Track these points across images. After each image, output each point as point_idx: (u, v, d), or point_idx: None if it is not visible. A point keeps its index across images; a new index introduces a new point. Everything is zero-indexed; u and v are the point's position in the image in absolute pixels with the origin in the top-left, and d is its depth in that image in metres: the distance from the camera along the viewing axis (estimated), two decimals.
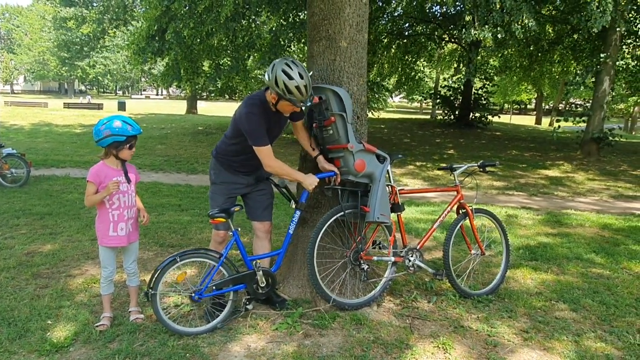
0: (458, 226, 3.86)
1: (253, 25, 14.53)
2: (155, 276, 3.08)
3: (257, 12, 13.73)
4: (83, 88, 70.37)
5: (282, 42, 14.20)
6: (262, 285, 3.36)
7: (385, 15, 17.67)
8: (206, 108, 36.74)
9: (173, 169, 11.60)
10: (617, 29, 12.45)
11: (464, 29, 11.33)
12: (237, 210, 3.32)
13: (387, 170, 3.54)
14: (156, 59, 14.90)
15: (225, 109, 35.51)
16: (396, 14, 18.41)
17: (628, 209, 8.35)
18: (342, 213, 3.48)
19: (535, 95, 39.52)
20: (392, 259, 3.68)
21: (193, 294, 3.21)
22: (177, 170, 11.51)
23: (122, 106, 33.59)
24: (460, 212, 3.95)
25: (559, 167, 12.83)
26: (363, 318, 3.44)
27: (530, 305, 3.82)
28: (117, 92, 74.66)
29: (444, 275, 3.82)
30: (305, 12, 13.04)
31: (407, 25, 19.25)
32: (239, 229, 3.38)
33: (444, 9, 17.71)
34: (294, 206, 3.49)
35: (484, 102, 21.67)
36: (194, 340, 3.12)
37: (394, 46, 20.04)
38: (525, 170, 12.39)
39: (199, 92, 26.86)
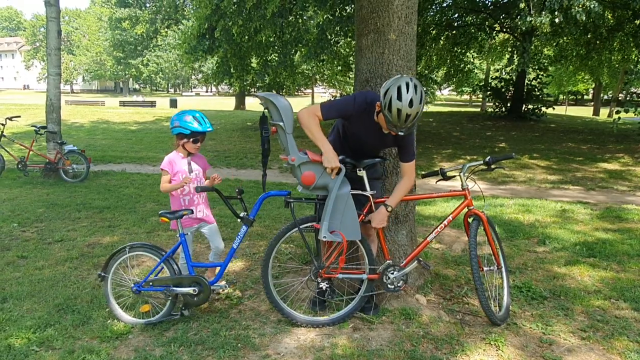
0: (476, 237, 3.32)
1: (300, 21, 14.59)
2: (109, 261, 3.37)
3: (303, 7, 13.77)
4: (137, 87, 73.11)
5: (329, 37, 14.20)
6: (194, 294, 3.26)
7: (433, 7, 17.33)
8: (254, 104, 37.27)
9: (223, 164, 11.83)
10: None
11: (519, 17, 10.95)
12: (185, 214, 3.30)
13: (363, 178, 3.25)
14: (206, 57, 15.25)
15: None
16: (445, 4, 18.02)
17: None
18: (296, 229, 3.27)
19: (593, 86, 37.81)
20: (365, 276, 3.33)
21: (133, 285, 3.35)
22: (227, 165, 11.74)
23: (173, 103, 34.56)
24: (469, 220, 3.42)
25: (619, 160, 12.22)
26: (412, 313, 3.41)
27: (588, 303, 3.67)
28: (169, 89, 76.99)
29: (430, 266, 3.60)
30: (353, 5, 13.02)
31: (456, 15, 18.81)
32: (187, 234, 3.38)
33: None
34: (239, 220, 3.36)
35: (538, 93, 20.91)
36: (246, 331, 3.20)
37: (442, 38, 19.59)
38: (582, 164, 11.88)
39: (247, 88, 27.33)
